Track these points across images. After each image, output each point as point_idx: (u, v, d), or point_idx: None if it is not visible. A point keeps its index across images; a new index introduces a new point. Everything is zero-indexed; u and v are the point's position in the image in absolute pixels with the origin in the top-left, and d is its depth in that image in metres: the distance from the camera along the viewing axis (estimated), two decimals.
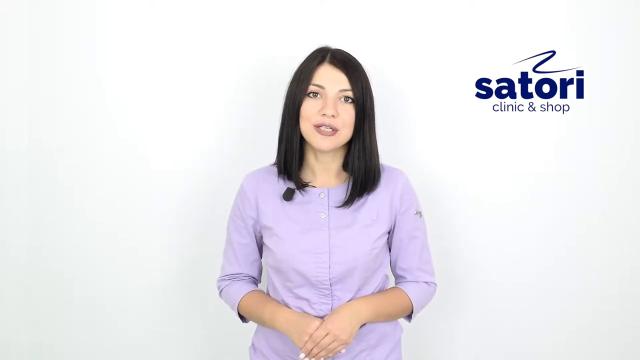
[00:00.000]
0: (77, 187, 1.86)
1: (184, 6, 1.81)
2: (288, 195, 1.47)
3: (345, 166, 1.49)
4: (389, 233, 1.50)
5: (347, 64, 1.44)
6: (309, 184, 1.48)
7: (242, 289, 1.52)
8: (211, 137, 1.83)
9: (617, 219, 1.79)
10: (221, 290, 1.57)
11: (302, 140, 1.47)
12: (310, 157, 1.49)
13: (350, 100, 1.43)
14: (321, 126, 1.41)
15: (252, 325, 1.59)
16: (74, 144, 1.85)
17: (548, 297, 1.81)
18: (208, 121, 1.83)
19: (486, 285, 1.82)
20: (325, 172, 1.49)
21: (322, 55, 1.45)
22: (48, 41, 1.84)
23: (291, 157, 1.46)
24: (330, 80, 1.42)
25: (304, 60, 1.47)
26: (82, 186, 1.86)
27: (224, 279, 1.56)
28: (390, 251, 1.53)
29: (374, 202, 1.48)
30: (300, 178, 1.48)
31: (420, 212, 1.53)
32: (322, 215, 1.46)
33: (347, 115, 1.42)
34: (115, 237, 1.86)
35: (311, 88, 1.42)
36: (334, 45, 1.50)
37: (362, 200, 1.47)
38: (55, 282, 1.88)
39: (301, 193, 1.48)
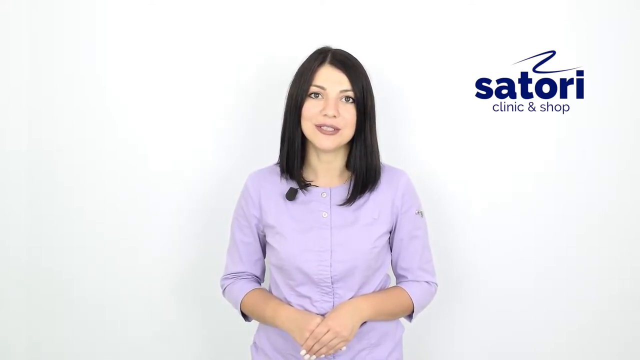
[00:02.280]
0: (77, 187, 1.86)
1: (184, 6, 1.81)
2: (291, 195, 1.48)
3: (347, 166, 1.50)
4: (390, 232, 1.51)
5: (347, 64, 1.44)
6: (312, 184, 1.49)
7: (244, 287, 1.53)
8: (211, 137, 1.83)
9: (617, 219, 1.79)
10: (224, 289, 1.58)
11: (304, 141, 1.48)
12: (312, 157, 1.50)
13: (351, 100, 1.44)
14: (323, 126, 1.42)
15: (253, 324, 1.60)
16: (74, 144, 1.85)
17: (548, 297, 1.81)
18: (208, 121, 1.83)
19: (486, 285, 1.82)
20: (327, 172, 1.50)
21: (323, 56, 1.46)
22: (48, 41, 1.84)
23: (293, 157, 1.48)
24: (331, 81, 1.43)
25: (305, 61, 1.47)
26: (82, 186, 1.86)
27: (228, 278, 1.57)
28: (391, 251, 1.53)
29: (376, 202, 1.48)
30: (302, 178, 1.49)
31: (421, 212, 1.54)
32: (324, 214, 1.46)
33: (348, 115, 1.43)
34: (115, 237, 1.86)
35: (312, 89, 1.43)
36: (334, 45, 1.50)
37: (363, 199, 1.48)
38: (55, 282, 1.88)
39: (304, 193, 1.48)
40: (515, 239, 1.80)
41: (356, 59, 1.47)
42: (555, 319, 1.81)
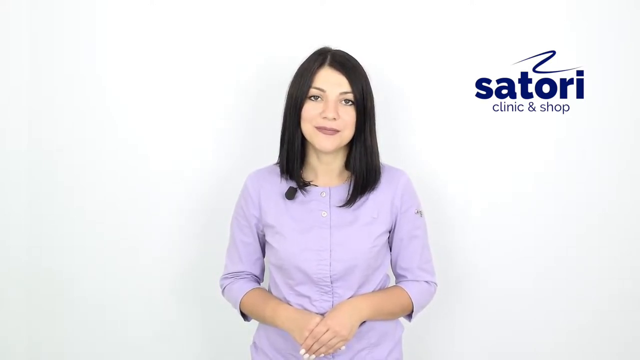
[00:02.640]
0: (77, 187, 1.86)
1: (184, 6, 1.81)
2: (290, 194, 1.48)
3: (346, 166, 1.50)
4: (389, 232, 1.51)
5: (347, 66, 1.44)
6: (311, 183, 1.49)
7: (244, 287, 1.54)
8: (211, 138, 1.83)
9: (617, 219, 1.79)
10: (224, 289, 1.58)
11: (303, 141, 1.48)
12: (312, 158, 1.50)
13: (350, 102, 1.44)
14: (322, 128, 1.42)
15: (253, 324, 1.60)
16: (74, 144, 1.85)
17: (548, 297, 1.81)
18: (208, 121, 1.83)
19: (486, 285, 1.82)
20: (327, 172, 1.50)
21: (323, 58, 1.45)
22: (48, 41, 1.84)
23: (293, 158, 1.48)
24: (331, 84, 1.43)
25: (304, 62, 1.47)
26: (82, 186, 1.86)
27: (227, 277, 1.57)
28: (391, 250, 1.53)
29: (375, 201, 1.48)
30: (302, 178, 1.49)
31: (420, 212, 1.54)
32: (324, 213, 1.47)
33: (348, 117, 1.43)
34: (115, 237, 1.86)
35: (312, 91, 1.43)
36: (334, 45, 1.50)
37: (363, 199, 1.48)
38: (55, 282, 1.88)
39: (303, 193, 1.48)
40: (515, 239, 1.80)
41: (356, 60, 1.47)
42: (555, 319, 1.81)
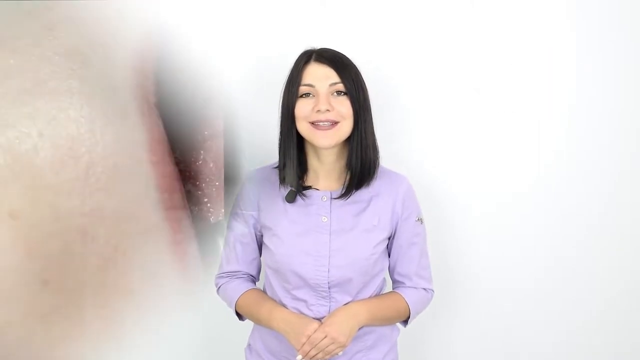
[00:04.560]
0: None
1: (184, 7, 1.81)
2: (290, 197, 1.46)
3: (348, 167, 1.48)
4: (389, 239, 1.50)
5: (333, 58, 1.42)
6: (312, 187, 1.47)
7: (240, 287, 1.52)
8: None
9: (617, 219, 1.79)
10: (219, 288, 1.57)
11: (302, 143, 1.46)
12: (312, 160, 1.48)
13: (343, 93, 1.41)
14: (318, 122, 1.40)
15: (248, 326, 1.59)
16: None
17: (548, 297, 1.81)
18: None
19: (485, 286, 1.82)
20: (328, 175, 1.48)
21: (308, 56, 1.44)
22: None
23: (290, 166, 1.45)
24: (319, 78, 1.40)
25: (293, 64, 1.46)
26: None
27: (222, 276, 1.56)
28: (389, 256, 1.52)
29: (376, 207, 1.47)
30: (302, 182, 1.47)
31: (421, 219, 1.52)
32: (324, 218, 1.45)
33: (343, 108, 1.40)
34: None
35: (302, 89, 1.41)
36: (335, 46, 1.49)
37: (363, 205, 1.46)
38: None
39: (303, 198, 1.46)
40: (515, 240, 1.80)
41: (343, 54, 1.45)
42: (555, 319, 1.81)
